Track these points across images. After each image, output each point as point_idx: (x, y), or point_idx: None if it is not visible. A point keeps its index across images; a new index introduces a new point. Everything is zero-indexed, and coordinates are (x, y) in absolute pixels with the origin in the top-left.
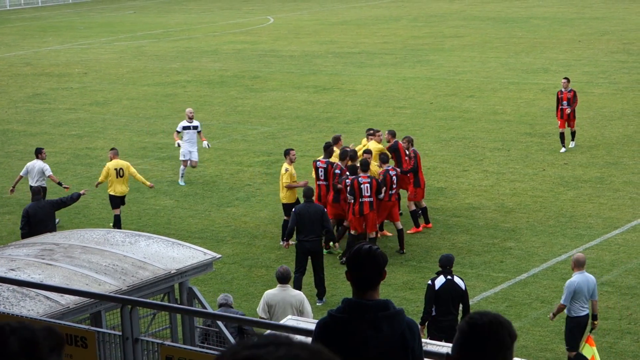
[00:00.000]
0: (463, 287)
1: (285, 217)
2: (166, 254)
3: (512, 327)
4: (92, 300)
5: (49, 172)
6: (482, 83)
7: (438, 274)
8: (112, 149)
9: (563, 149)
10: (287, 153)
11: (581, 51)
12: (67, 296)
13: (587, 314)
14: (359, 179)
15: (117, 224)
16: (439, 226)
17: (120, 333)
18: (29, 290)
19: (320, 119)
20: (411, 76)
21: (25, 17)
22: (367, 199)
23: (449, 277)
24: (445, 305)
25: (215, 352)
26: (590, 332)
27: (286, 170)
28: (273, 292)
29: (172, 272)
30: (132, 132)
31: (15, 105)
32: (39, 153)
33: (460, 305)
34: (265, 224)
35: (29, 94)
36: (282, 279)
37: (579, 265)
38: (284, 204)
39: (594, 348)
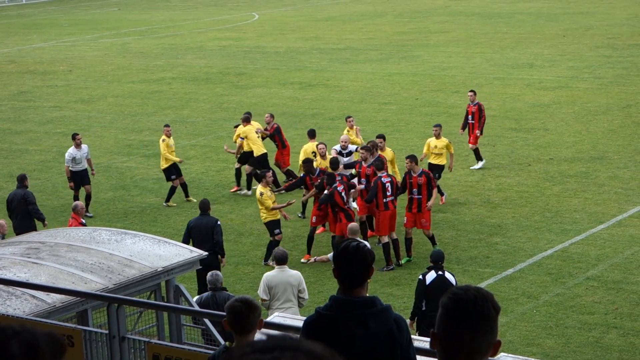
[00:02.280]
0: (454, 283)
1: (271, 238)
2: (152, 252)
3: (494, 299)
4: (78, 298)
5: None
6: (467, 78)
7: (429, 269)
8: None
9: (478, 164)
10: (262, 176)
11: (566, 46)
12: (53, 295)
13: None
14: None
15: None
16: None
17: (107, 331)
18: (15, 289)
19: (306, 115)
20: (396, 72)
21: (10, 15)
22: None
23: (440, 272)
24: (435, 301)
25: (203, 350)
26: None
27: (261, 194)
28: (272, 274)
29: (158, 269)
30: (118, 130)
31: (0, 104)
32: (74, 139)
33: None
34: (252, 221)
35: (14, 91)
36: (281, 260)
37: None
38: (268, 222)
39: None
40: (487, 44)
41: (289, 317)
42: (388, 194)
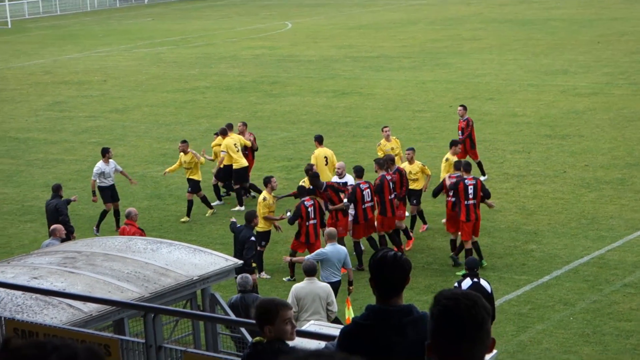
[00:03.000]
0: (489, 290)
1: (259, 247)
2: (188, 261)
3: (484, 301)
4: (114, 307)
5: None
6: (501, 85)
7: (464, 276)
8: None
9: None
10: (267, 181)
11: (600, 52)
12: (89, 304)
13: (339, 280)
14: (360, 185)
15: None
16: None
17: (143, 340)
18: (52, 299)
19: (340, 123)
20: (430, 79)
21: (45, 26)
22: (368, 204)
23: (475, 279)
24: None
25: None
26: (349, 295)
27: (264, 199)
28: (301, 285)
29: (194, 278)
30: (152, 139)
31: (36, 114)
32: (105, 154)
33: None
34: (287, 229)
35: (49, 102)
36: (309, 271)
37: (331, 237)
38: (258, 232)
39: (350, 309)
40: (521, 50)
41: (325, 325)
42: (367, 199)
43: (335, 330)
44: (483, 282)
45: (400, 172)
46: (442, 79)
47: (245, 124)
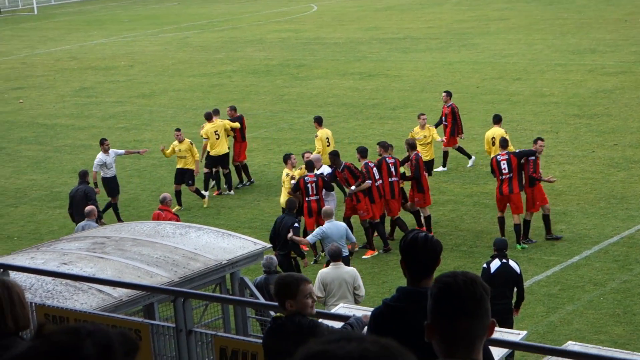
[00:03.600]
0: (518, 271)
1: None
2: (217, 245)
3: (482, 281)
4: (144, 292)
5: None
6: (528, 65)
7: (493, 257)
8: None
9: (470, 163)
10: (287, 158)
11: (628, 30)
12: (119, 289)
13: (347, 256)
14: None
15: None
16: (489, 210)
17: (174, 325)
18: (82, 284)
19: (367, 105)
20: (457, 60)
21: (70, 12)
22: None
23: (504, 260)
24: (500, 289)
25: None
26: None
27: (287, 175)
28: (326, 271)
29: (223, 262)
30: (179, 124)
31: (63, 100)
32: (102, 144)
33: (515, 289)
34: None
35: (76, 88)
36: (334, 256)
37: (327, 215)
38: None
39: None
40: (548, 30)
41: (354, 308)
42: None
43: (365, 312)
44: (512, 263)
45: (417, 160)
46: (469, 59)
47: (233, 108)
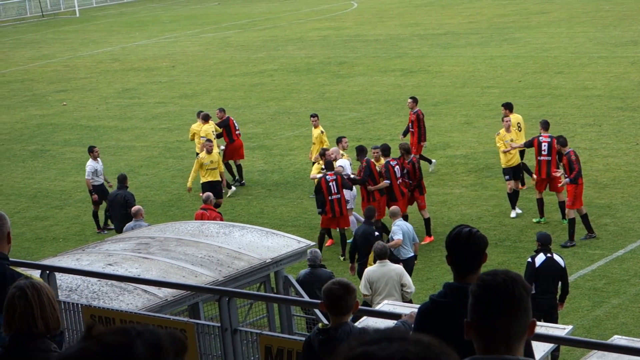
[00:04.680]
0: (562, 265)
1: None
2: (260, 244)
3: (523, 280)
4: (189, 292)
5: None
6: (570, 59)
7: (537, 251)
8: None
9: (431, 168)
10: (339, 141)
11: None
12: (164, 289)
13: (413, 256)
14: (390, 162)
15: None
16: (533, 205)
17: (219, 324)
18: (127, 285)
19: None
20: (498, 55)
21: (112, 14)
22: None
23: (548, 254)
24: (545, 284)
25: None
26: None
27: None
28: (373, 269)
29: (267, 261)
30: None
31: (106, 102)
32: (91, 152)
33: (560, 284)
34: (357, 209)
35: (119, 89)
36: (381, 254)
37: (395, 215)
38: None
39: None
40: (590, 22)
41: (399, 305)
42: (398, 176)
43: (409, 309)
44: (556, 257)
45: (414, 164)
46: (511, 54)
47: (221, 110)
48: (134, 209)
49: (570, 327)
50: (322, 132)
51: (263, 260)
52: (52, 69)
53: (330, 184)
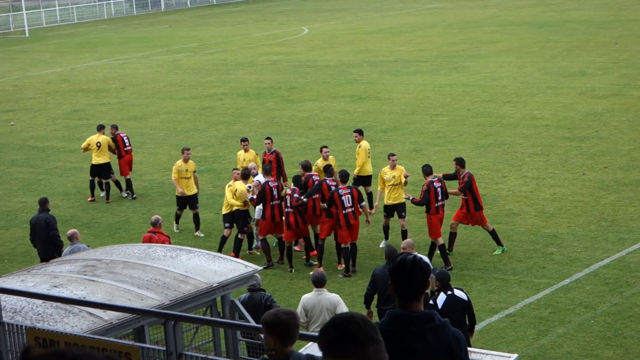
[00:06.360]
0: (465, 299)
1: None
2: (208, 268)
3: (370, 321)
4: (135, 315)
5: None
6: (519, 88)
7: (438, 291)
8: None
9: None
10: (321, 150)
11: (618, 53)
12: (110, 312)
13: None
14: (339, 190)
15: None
16: (479, 233)
17: (164, 348)
18: (72, 307)
19: (358, 128)
20: (447, 83)
21: (62, 34)
22: (349, 210)
23: (449, 292)
24: (453, 321)
25: None
26: None
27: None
28: (309, 297)
29: (214, 285)
30: (171, 146)
31: (54, 122)
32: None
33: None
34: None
35: (68, 110)
36: (317, 282)
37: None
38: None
39: None
40: (539, 53)
41: None
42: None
43: None
44: (458, 293)
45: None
46: (460, 82)
47: (114, 127)
48: (68, 232)
49: (515, 355)
50: (256, 154)
51: (210, 285)
52: (0, 89)
53: (344, 197)
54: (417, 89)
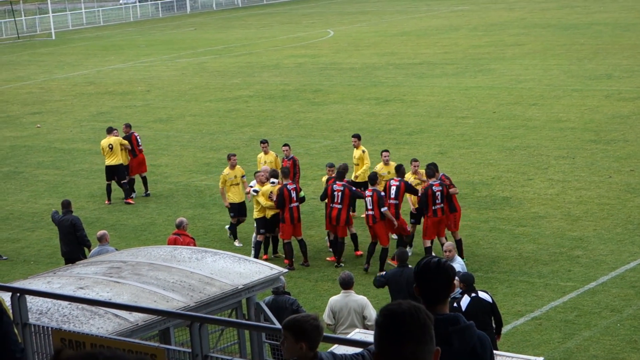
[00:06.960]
0: (490, 300)
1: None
2: (233, 270)
3: (426, 310)
4: (160, 317)
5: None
6: (544, 91)
7: (462, 293)
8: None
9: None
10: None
11: None
12: (135, 313)
13: None
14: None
15: None
16: (505, 236)
17: (189, 350)
18: (98, 309)
19: (383, 130)
20: (473, 86)
21: (88, 37)
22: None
23: (473, 294)
24: (477, 323)
25: None
26: None
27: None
28: (336, 299)
29: (239, 287)
30: (196, 148)
31: (80, 125)
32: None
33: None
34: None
35: (93, 112)
36: (345, 284)
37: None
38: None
39: None
40: (564, 55)
41: (370, 333)
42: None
43: None
44: (482, 295)
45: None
46: (485, 85)
47: (127, 125)
48: (98, 233)
49: (541, 358)
50: (277, 156)
51: (235, 287)
52: (26, 91)
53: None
54: (443, 91)
